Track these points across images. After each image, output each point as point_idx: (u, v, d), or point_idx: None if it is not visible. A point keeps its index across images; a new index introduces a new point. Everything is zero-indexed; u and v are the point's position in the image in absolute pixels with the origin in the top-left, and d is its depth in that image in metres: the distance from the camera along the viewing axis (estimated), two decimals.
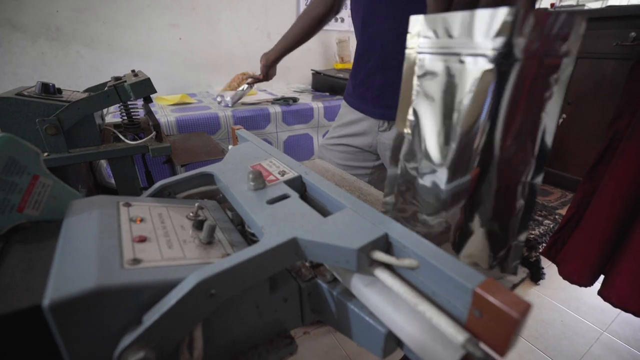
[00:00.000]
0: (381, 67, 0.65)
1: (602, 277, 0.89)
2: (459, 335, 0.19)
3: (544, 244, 1.14)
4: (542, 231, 1.44)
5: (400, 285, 0.23)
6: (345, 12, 1.94)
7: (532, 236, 1.39)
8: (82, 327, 0.20)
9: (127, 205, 0.31)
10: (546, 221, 1.51)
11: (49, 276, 0.20)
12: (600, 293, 0.87)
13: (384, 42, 0.62)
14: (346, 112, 0.79)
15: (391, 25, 0.60)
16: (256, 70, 1.83)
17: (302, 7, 1.80)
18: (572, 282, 0.93)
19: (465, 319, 0.20)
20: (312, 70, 1.77)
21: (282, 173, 0.36)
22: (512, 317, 0.17)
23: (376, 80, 0.67)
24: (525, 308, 0.17)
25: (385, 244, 0.25)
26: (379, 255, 0.24)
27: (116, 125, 0.74)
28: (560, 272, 0.96)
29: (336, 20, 1.93)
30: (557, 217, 1.54)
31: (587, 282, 0.90)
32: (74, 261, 0.22)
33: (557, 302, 1.19)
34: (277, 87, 1.78)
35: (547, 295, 1.22)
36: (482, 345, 0.19)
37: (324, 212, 0.29)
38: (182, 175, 0.38)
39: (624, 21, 1.46)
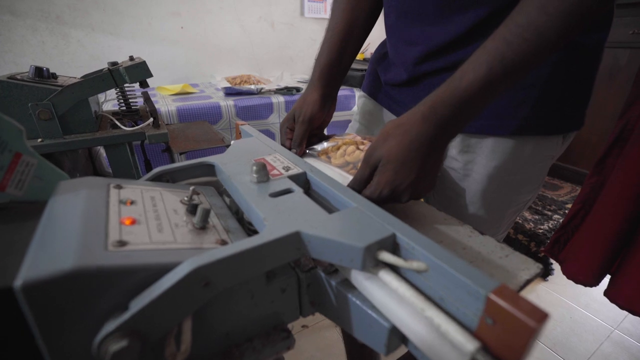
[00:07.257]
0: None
1: (608, 276, 0.85)
2: (468, 344, 0.17)
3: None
4: (551, 226, 1.41)
5: (407, 289, 0.21)
6: None
7: (540, 231, 1.36)
8: (58, 312, 0.18)
9: (119, 187, 0.29)
10: (555, 216, 1.48)
11: (25, 256, 0.19)
12: (606, 294, 0.83)
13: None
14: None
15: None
16: (260, 61, 1.80)
17: None
18: (576, 281, 0.89)
19: (476, 326, 0.18)
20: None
21: (287, 168, 0.34)
22: (529, 325, 0.15)
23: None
24: (542, 316, 0.15)
25: (392, 244, 0.23)
26: (386, 256, 0.22)
27: (114, 113, 0.72)
28: (564, 271, 0.92)
29: None
30: (566, 211, 1.50)
31: (593, 282, 0.86)
32: (54, 241, 0.20)
33: (566, 298, 1.16)
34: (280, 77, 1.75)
35: (555, 292, 1.19)
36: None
37: (329, 211, 0.27)
38: (182, 163, 0.36)
39: None
